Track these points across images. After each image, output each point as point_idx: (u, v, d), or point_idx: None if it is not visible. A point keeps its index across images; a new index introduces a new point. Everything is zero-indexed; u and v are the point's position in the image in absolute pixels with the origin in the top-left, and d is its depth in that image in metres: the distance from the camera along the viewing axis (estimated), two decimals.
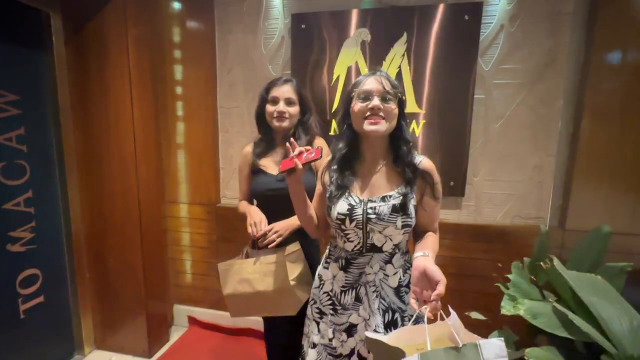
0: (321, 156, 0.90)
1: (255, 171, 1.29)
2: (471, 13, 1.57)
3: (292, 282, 1.12)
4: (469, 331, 0.72)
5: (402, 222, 0.92)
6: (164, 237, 2.14)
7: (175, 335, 2.14)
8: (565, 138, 1.62)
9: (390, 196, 0.93)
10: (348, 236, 0.98)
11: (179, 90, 2.04)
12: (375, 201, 0.93)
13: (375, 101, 0.89)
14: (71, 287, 1.86)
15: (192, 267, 2.22)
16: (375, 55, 1.70)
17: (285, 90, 1.24)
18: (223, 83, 1.98)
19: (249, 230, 1.21)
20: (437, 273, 0.78)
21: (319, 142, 1.32)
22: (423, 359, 0.61)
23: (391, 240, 0.96)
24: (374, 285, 0.97)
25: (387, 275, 0.97)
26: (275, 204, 1.22)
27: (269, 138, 1.31)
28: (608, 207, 1.55)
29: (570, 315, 0.87)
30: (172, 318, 2.25)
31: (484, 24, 1.59)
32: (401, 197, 0.92)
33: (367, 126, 0.90)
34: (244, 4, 1.86)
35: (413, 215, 0.94)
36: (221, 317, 2.16)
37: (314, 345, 1.06)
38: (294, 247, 1.19)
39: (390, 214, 0.92)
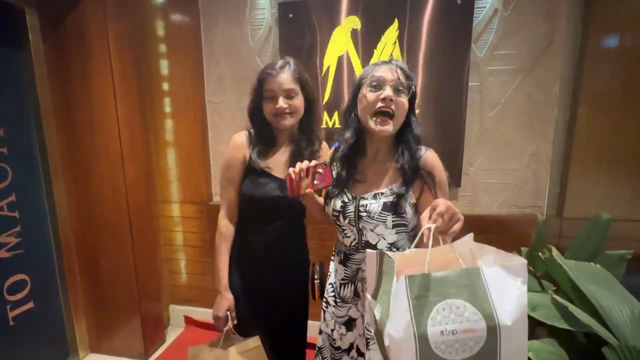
0: (332, 180, 0.87)
1: (257, 172, 1.05)
2: None
3: None
4: (496, 249, 0.64)
5: (393, 221, 0.87)
6: (157, 237, 2.09)
7: (172, 335, 2.11)
8: (562, 125, 1.59)
9: (382, 194, 0.89)
10: (345, 232, 0.96)
11: (165, 86, 1.97)
12: (366, 198, 0.90)
13: (388, 91, 0.82)
14: (62, 291, 1.82)
15: (186, 266, 2.18)
16: (367, 44, 1.65)
17: (284, 81, 0.99)
18: (210, 77, 1.92)
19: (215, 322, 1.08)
20: (439, 200, 0.68)
21: (324, 147, 1.15)
22: (410, 282, 0.57)
23: (384, 239, 0.91)
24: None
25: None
26: (279, 211, 1.07)
27: (269, 136, 1.08)
28: (606, 194, 1.53)
29: (570, 307, 0.85)
30: (168, 318, 2.22)
31: (477, 8, 1.54)
32: (394, 196, 0.87)
33: (376, 126, 0.84)
34: None
35: (408, 215, 0.88)
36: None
37: (321, 332, 1.09)
38: (254, 342, 1.04)
39: (380, 212, 0.87)
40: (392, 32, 1.60)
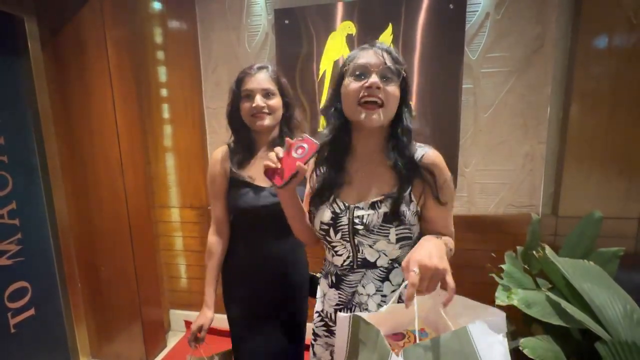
0: (317, 144, 0.71)
1: (239, 184, 1.03)
2: (456, 1, 1.55)
3: None
4: (471, 302, 0.61)
5: (397, 234, 0.73)
6: (156, 242, 2.10)
7: (172, 340, 2.12)
8: (555, 124, 1.61)
9: (380, 202, 0.74)
10: (335, 249, 0.81)
11: (163, 92, 1.99)
12: (362, 208, 0.75)
13: (374, 78, 0.69)
14: (63, 298, 1.83)
15: (186, 271, 2.19)
16: None
17: (261, 80, 0.99)
18: (208, 83, 1.94)
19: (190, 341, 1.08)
20: (415, 253, 0.61)
21: None
22: (406, 356, 0.51)
23: (385, 255, 0.78)
24: (367, 310, 0.79)
25: (385, 296, 0.78)
26: (270, 221, 1.02)
27: (248, 141, 1.05)
28: (600, 192, 1.55)
29: (564, 303, 0.87)
30: (168, 323, 2.23)
31: (470, 12, 1.57)
32: (395, 204, 0.73)
33: (363, 115, 0.71)
34: (226, 1, 1.82)
35: (413, 223, 0.75)
36: (218, 320, 2.13)
37: None
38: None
39: (381, 225, 0.73)
40: (386, 37, 1.63)
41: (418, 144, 0.79)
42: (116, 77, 1.64)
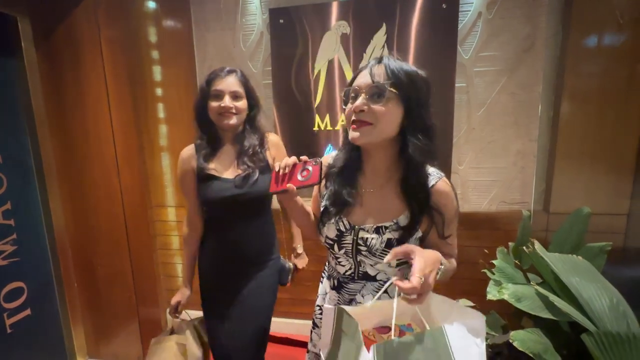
0: (320, 179, 0.71)
1: (205, 177, 1.11)
2: (449, 1, 1.57)
3: None
4: (454, 301, 0.64)
5: (398, 259, 0.69)
6: (153, 241, 2.10)
7: None
8: (546, 122, 1.64)
9: (386, 228, 0.74)
10: (339, 260, 0.84)
11: (158, 91, 1.99)
12: (367, 231, 0.76)
13: (359, 100, 0.69)
14: (60, 298, 1.82)
15: (183, 270, 2.19)
16: (356, 48, 1.69)
17: (231, 83, 1.08)
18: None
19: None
20: (409, 248, 0.62)
21: (275, 138, 1.21)
22: (377, 351, 0.53)
23: (385, 273, 0.80)
24: None
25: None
26: (234, 211, 1.11)
27: (214, 137, 1.14)
28: (590, 189, 1.58)
29: (552, 297, 0.89)
30: (165, 322, 2.23)
31: (462, 11, 1.59)
32: (400, 232, 0.73)
33: (351, 133, 0.72)
34: (220, 0, 1.82)
35: None
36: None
37: (308, 351, 1.00)
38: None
39: (383, 250, 0.74)
40: (380, 36, 1.65)
41: (431, 169, 0.76)
42: (111, 77, 1.64)
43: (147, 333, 1.93)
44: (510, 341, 0.91)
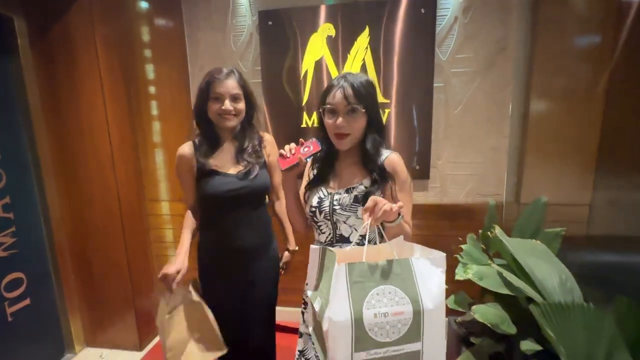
0: (320, 148, 0.92)
1: (207, 173, 1.16)
2: (427, 6, 1.67)
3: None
4: (421, 246, 0.78)
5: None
6: (147, 234, 2.18)
7: None
8: (517, 120, 1.77)
9: (353, 188, 0.98)
10: (320, 227, 1.03)
11: (152, 89, 2.06)
12: (340, 193, 0.99)
13: (339, 119, 0.93)
14: (57, 289, 1.90)
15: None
16: (341, 49, 1.78)
17: (230, 85, 1.12)
18: (195, 81, 2.02)
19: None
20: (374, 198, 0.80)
21: (268, 137, 1.28)
22: (349, 269, 0.67)
23: (356, 230, 0.98)
24: None
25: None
26: (238, 204, 1.17)
27: (213, 136, 1.19)
28: (556, 181, 1.71)
29: (506, 273, 1.01)
30: None
31: (440, 16, 1.70)
32: (364, 189, 0.96)
33: (336, 141, 0.97)
34: (211, 1, 1.89)
35: None
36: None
37: (301, 335, 1.10)
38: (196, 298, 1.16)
39: (352, 204, 0.96)
40: (363, 39, 1.75)
41: (386, 150, 1.00)
42: (106, 75, 1.70)
43: (142, 322, 2.01)
44: (472, 314, 1.02)
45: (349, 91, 0.92)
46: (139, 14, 1.97)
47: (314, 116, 1.88)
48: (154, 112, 2.09)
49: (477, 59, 1.73)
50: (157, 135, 2.11)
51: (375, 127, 0.99)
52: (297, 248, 1.41)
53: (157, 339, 2.10)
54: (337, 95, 0.93)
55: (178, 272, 1.11)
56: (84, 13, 1.64)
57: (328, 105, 0.95)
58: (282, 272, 1.39)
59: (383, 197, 0.94)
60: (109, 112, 1.73)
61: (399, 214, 0.83)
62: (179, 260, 1.14)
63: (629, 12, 1.48)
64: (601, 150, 1.63)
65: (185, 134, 2.03)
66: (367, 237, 0.76)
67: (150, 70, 2.04)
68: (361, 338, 0.65)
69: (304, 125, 1.89)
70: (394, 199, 0.95)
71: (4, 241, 1.63)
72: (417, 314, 0.67)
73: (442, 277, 0.71)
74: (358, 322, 0.64)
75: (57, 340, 1.92)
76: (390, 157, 0.98)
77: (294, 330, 1.56)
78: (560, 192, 1.69)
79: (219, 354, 1.18)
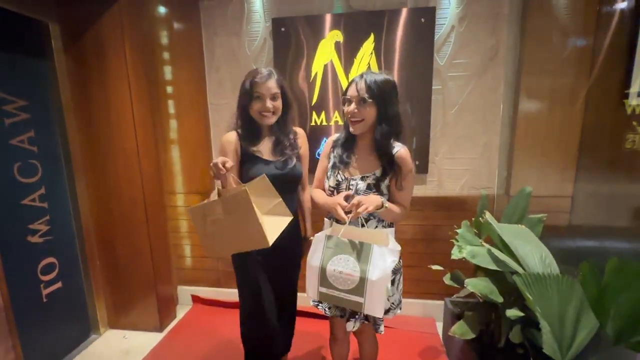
0: None
1: (250, 158, 1.29)
2: (426, 16, 1.84)
3: (264, 217, 1.11)
4: (396, 243, 1.11)
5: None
6: (166, 224, 2.34)
7: (181, 312, 2.37)
8: (507, 119, 1.94)
9: (367, 177, 1.18)
10: None
11: (170, 89, 2.21)
12: (355, 179, 1.18)
13: (352, 106, 1.13)
14: (84, 274, 2.05)
15: (192, 251, 2.44)
16: (348, 54, 1.95)
17: (270, 86, 1.24)
18: (212, 81, 2.18)
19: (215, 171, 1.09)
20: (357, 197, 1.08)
21: (300, 131, 1.41)
22: (327, 239, 1.09)
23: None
24: None
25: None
26: (277, 190, 1.23)
27: (255, 130, 1.32)
28: (542, 175, 1.89)
29: (493, 250, 1.19)
30: (177, 298, 2.48)
31: (438, 25, 1.87)
32: (375, 179, 1.16)
33: (351, 128, 1.17)
34: (228, 9, 2.05)
35: (384, 192, 1.17)
36: (221, 294, 2.42)
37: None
38: (262, 179, 1.14)
39: (365, 190, 1.16)
40: (368, 45, 1.91)
41: (397, 143, 1.18)
42: (133, 77, 1.85)
43: (162, 306, 2.17)
44: (465, 286, 1.20)
45: (361, 85, 1.12)
46: (160, 19, 2.12)
47: (323, 115, 2.04)
48: (172, 110, 2.24)
49: (471, 64, 1.90)
50: (174, 132, 2.27)
51: (385, 119, 1.14)
52: (312, 238, 1.56)
53: (174, 322, 2.26)
54: (351, 88, 1.14)
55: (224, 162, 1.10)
56: (115, 20, 1.78)
57: (346, 96, 1.16)
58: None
59: (389, 185, 1.18)
60: (135, 112, 1.88)
61: (383, 205, 1.10)
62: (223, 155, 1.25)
63: (607, 21, 1.66)
64: (582, 147, 1.81)
65: (201, 131, 2.23)
66: (348, 220, 1.08)
67: (168, 72, 2.19)
68: (323, 280, 1.08)
69: (313, 123, 2.05)
70: (397, 185, 1.16)
71: (40, 228, 1.78)
72: (362, 280, 1.03)
73: (392, 263, 1.04)
74: (322, 270, 1.08)
75: (84, 322, 2.08)
76: (400, 152, 1.15)
77: (307, 314, 1.74)
78: (546, 184, 1.87)
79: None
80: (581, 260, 1.49)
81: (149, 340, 2.08)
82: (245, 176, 1.29)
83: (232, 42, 2.09)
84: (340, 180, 1.21)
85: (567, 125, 1.83)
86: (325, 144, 1.33)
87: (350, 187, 1.18)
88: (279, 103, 1.28)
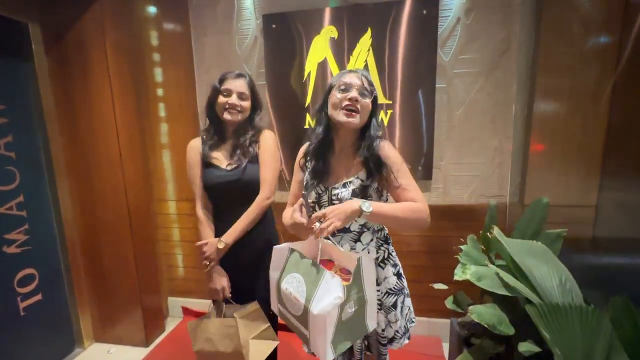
0: None
1: (207, 164, 1.27)
2: (429, 7, 1.68)
3: (250, 341, 1.19)
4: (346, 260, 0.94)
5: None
6: (155, 233, 2.24)
7: (171, 325, 2.26)
8: (521, 121, 1.75)
9: (350, 182, 1.02)
10: (321, 220, 1.05)
11: (159, 92, 2.12)
12: (337, 188, 1.02)
13: (354, 93, 0.97)
14: (67, 285, 1.96)
15: (183, 260, 2.33)
16: (344, 51, 1.80)
17: (239, 84, 1.24)
18: (202, 83, 2.07)
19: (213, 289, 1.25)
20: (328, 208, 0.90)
21: (267, 134, 1.33)
22: (290, 253, 0.93)
23: (356, 221, 1.02)
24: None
25: (358, 252, 1.04)
26: (228, 194, 1.26)
27: (219, 130, 1.30)
28: (561, 182, 1.69)
29: (502, 274, 1.01)
30: (167, 310, 2.37)
31: (442, 17, 1.70)
32: (360, 184, 1.00)
33: (343, 117, 0.98)
34: (217, 7, 1.94)
35: (373, 198, 1.01)
36: (202, 305, 2.29)
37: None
38: (253, 306, 1.23)
39: (349, 198, 0.98)
40: (366, 40, 1.76)
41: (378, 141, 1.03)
42: (115, 79, 1.76)
43: (149, 319, 2.06)
44: (469, 314, 1.03)
45: (364, 78, 1.01)
46: (147, 19, 2.03)
47: None
48: (162, 113, 2.14)
49: (479, 59, 1.72)
50: (164, 136, 2.17)
51: (374, 125, 1.04)
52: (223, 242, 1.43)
53: (162, 337, 2.15)
54: (352, 76, 1.00)
55: (223, 288, 1.25)
56: (96, 20, 1.70)
57: (342, 84, 0.99)
58: None
59: (378, 187, 1.03)
60: (117, 115, 1.78)
61: (361, 209, 0.90)
62: (221, 273, 1.28)
63: (636, 11, 1.46)
64: (607, 151, 1.60)
65: (192, 135, 2.11)
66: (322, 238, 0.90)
67: (158, 74, 2.09)
68: (279, 297, 0.96)
69: (306, 125, 1.91)
70: (391, 185, 1.00)
71: (17, 238, 1.70)
72: (305, 310, 0.84)
73: (335, 300, 0.80)
74: (278, 286, 0.94)
75: (67, 335, 1.99)
76: (382, 145, 1.01)
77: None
78: (565, 193, 1.66)
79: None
80: (607, 281, 1.28)
81: (134, 355, 1.97)
82: (203, 183, 1.30)
83: (222, 42, 1.98)
84: (320, 192, 1.05)
85: (590, 126, 1.62)
86: (298, 155, 1.17)
87: (333, 197, 1.02)
88: (246, 104, 1.26)
